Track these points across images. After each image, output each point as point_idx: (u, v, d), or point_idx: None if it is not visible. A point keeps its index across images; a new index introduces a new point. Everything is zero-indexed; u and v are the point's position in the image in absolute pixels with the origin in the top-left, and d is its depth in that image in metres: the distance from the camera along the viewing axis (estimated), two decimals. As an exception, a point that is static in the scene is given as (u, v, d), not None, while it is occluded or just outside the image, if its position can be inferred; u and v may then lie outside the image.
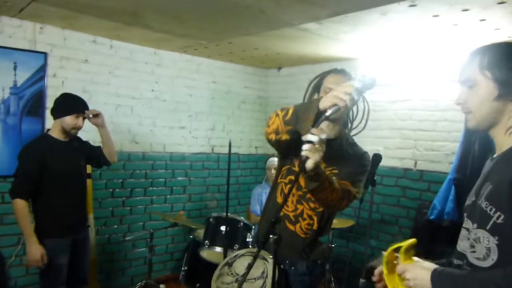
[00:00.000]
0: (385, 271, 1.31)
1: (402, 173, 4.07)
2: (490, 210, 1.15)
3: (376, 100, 4.28)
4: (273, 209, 2.07)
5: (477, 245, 1.19)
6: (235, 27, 3.32)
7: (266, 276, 1.66)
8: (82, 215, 3.00)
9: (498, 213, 1.13)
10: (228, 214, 3.33)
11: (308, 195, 1.94)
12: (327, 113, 1.50)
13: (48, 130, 2.94)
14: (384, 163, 3.35)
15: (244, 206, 5.22)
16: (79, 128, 2.85)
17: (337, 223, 3.75)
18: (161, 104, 4.45)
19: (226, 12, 2.91)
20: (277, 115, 1.78)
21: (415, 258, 1.27)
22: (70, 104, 2.81)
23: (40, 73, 3.60)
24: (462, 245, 1.28)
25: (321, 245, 2.10)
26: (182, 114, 4.65)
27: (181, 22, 3.26)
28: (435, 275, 1.16)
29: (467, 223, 1.27)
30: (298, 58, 4.53)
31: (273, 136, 1.83)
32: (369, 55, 4.16)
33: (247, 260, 1.92)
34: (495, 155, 1.28)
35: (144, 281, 3.64)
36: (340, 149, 1.97)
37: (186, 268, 3.60)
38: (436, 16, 2.72)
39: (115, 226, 4.19)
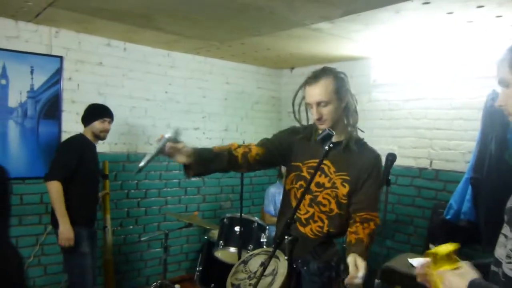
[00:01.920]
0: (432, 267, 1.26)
1: (417, 172, 4.03)
2: None
3: (390, 99, 4.25)
4: (289, 213, 2.06)
5: None
6: (247, 28, 3.33)
7: (276, 273, 1.69)
8: (96, 212, 3.27)
9: None
10: (242, 214, 3.34)
11: (319, 199, 1.98)
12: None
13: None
14: (398, 162, 3.31)
15: (258, 207, 5.22)
16: (107, 131, 3.20)
17: (351, 223, 3.72)
18: (174, 105, 4.49)
19: (238, 13, 2.92)
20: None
21: (460, 263, 1.21)
22: (97, 111, 3.19)
23: (56, 77, 3.66)
24: (499, 252, 1.17)
25: (334, 247, 2.10)
26: (195, 115, 4.68)
27: (193, 24, 3.28)
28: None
29: (505, 229, 1.16)
30: (311, 58, 4.51)
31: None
32: (382, 54, 4.13)
33: (261, 258, 1.95)
34: None
35: (159, 281, 3.67)
36: (348, 151, 1.96)
37: (200, 268, 3.62)
38: (450, 13, 2.68)
39: (131, 227, 4.23)
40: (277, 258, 1.88)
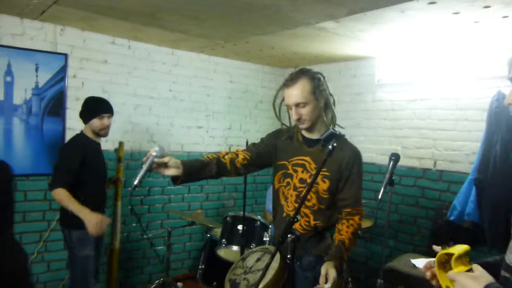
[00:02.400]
0: (437, 269, 1.23)
1: (421, 173, 4.01)
2: None
3: (395, 99, 4.23)
4: (281, 212, 2.20)
5: None
6: (252, 26, 3.33)
7: (267, 266, 1.75)
8: (103, 212, 3.09)
9: None
10: (245, 213, 3.34)
11: (303, 194, 2.06)
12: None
13: (81, 131, 3.09)
14: (402, 163, 3.31)
15: (261, 206, 5.22)
16: (107, 127, 3.04)
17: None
18: (178, 103, 4.49)
19: (243, 12, 2.92)
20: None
21: (474, 265, 1.16)
22: (93, 108, 3.01)
23: (61, 74, 3.67)
24: (510, 257, 1.15)
25: (326, 241, 2.17)
26: (199, 113, 4.68)
27: (198, 22, 3.28)
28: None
29: None
30: (315, 57, 4.50)
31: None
32: (387, 54, 4.11)
33: (258, 255, 2.10)
34: None
35: (161, 279, 3.67)
36: (328, 148, 1.98)
37: (203, 266, 3.62)
38: (457, 13, 2.67)
39: (134, 224, 4.24)
40: (270, 253, 1.97)
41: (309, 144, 2.13)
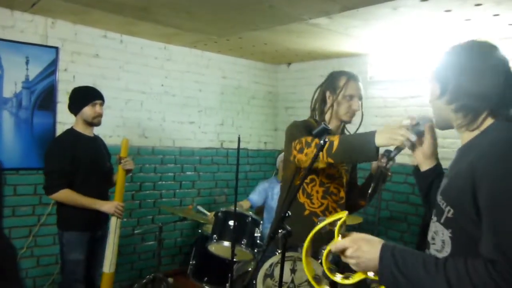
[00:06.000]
0: (304, 261, 1.27)
1: (411, 170, 4.03)
2: (443, 204, 1.19)
3: (386, 96, 4.25)
4: (300, 211, 2.12)
5: (436, 237, 1.22)
6: (245, 22, 3.32)
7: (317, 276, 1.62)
8: (101, 213, 2.87)
9: (449, 207, 1.16)
10: (237, 209, 3.34)
11: (331, 189, 2.13)
12: (392, 154, 1.62)
13: (71, 126, 2.92)
14: (393, 159, 3.33)
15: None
16: (99, 115, 2.86)
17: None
18: (170, 99, 4.47)
19: (236, 6, 2.91)
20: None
21: (350, 232, 1.23)
22: (84, 96, 2.85)
23: (52, 68, 3.64)
24: (429, 236, 1.29)
25: None
26: (191, 109, 4.66)
27: (191, 17, 3.26)
28: (385, 251, 1.14)
29: (433, 216, 1.30)
30: (308, 54, 4.51)
31: (306, 164, 1.85)
32: (379, 51, 4.13)
33: (286, 265, 1.83)
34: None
35: (152, 275, 3.66)
36: (320, 143, 2.00)
37: (194, 262, 3.62)
38: (448, 11, 2.69)
39: (125, 220, 4.19)
40: (301, 260, 1.80)
41: None
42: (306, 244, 1.30)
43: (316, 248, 1.93)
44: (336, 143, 1.74)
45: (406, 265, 1.10)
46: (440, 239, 1.20)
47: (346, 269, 1.27)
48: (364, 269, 1.19)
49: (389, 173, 1.72)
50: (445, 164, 4.03)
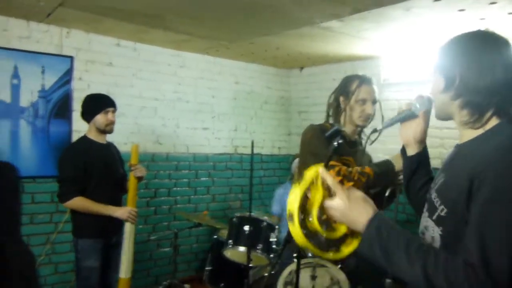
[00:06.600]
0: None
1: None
2: (437, 202, 1.17)
3: (400, 99, 4.20)
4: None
5: (426, 232, 1.23)
6: (256, 27, 3.33)
7: (338, 282, 1.61)
8: (115, 220, 2.86)
9: (442, 206, 1.14)
10: (251, 214, 3.33)
11: None
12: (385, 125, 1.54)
13: (85, 134, 2.96)
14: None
15: (267, 207, 5.21)
16: (112, 123, 2.90)
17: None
18: (184, 105, 4.50)
19: (247, 12, 2.92)
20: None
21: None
22: (96, 104, 2.89)
23: (67, 77, 3.69)
24: (420, 229, 1.30)
25: None
26: (205, 115, 4.68)
27: (203, 24, 3.28)
28: (374, 220, 1.14)
29: (424, 211, 1.29)
30: (320, 57, 4.49)
31: None
32: (392, 53, 4.09)
33: (306, 272, 1.84)
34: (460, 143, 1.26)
35: (168, 281, 3.67)
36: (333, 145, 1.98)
37: (210, 268, 3.62)
38: (462, 10, 2.66)
39: (140, 226, 4.23)
40: (325, 266, 1.78)
41: (349, 145, 2.19)
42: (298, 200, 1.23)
43: None
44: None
45: (388, 240, 1.12)
46: (430, 235, 1.20)
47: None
48: (344, 224, 1.17)
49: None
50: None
